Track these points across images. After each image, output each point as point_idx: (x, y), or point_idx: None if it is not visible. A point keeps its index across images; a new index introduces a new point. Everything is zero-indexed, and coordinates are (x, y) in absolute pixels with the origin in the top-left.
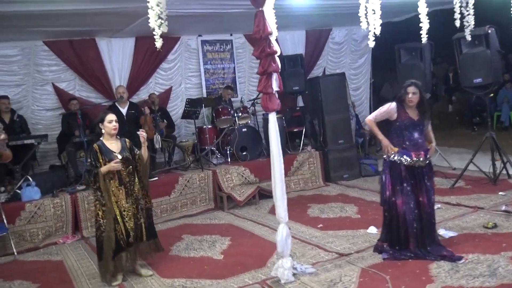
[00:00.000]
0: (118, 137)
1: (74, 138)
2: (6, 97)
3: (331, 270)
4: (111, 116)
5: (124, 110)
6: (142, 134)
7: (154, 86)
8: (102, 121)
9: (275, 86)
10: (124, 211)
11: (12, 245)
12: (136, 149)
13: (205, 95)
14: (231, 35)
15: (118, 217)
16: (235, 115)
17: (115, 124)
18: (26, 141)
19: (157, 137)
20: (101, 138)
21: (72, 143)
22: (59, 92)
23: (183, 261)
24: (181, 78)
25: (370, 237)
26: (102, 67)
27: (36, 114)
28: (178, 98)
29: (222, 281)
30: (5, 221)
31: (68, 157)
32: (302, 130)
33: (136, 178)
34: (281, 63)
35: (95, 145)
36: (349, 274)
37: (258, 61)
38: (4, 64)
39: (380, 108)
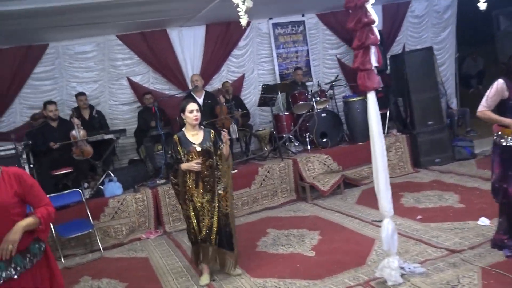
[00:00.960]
0: (202, 127)
1: (151, 132)
2: (83, 94)
3: (445, 270)
4: (192, 106)
5: (200, 100)
6: (225, 136)
7: (226, 74)
8: (183, 111)
9: (373, 61)
10: (200, 206)
11: (98, 241)
12: (220, 143)
13: (278, 81)
14: (303, 15)
15: (191, 214)
16: (313, 99)
17: (196, 114)
18: (105, 137)
19: (233, 127)
20: (183, 129)
21: (149, 137)
22: (134, 86)
23: (272, 258)
24: (253, 65)
25: (482, 230)
26: (174, 58)
27: (114, 109)
28: (251, 85)
29: (319, 282)
30: (90, 218)
31: (146, 151)
32: (386, 113)
33: (216, 174)
34: None
35: (175, 137)
36: (468, 275)
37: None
38: (82, 61)
39: (487, 92)
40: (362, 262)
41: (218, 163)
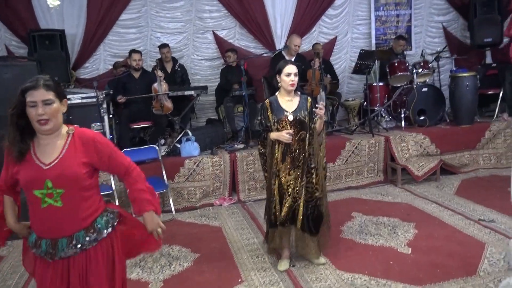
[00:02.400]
0: (299, 93)
1: (233, 92)
2: (166, 45)
3: None
4: (290, 68)
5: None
6: (321, 109)
7: (317, 35)
8: (279, 72)
9: None
10: (286, 183)
11: (171, 202)
12: (316, 114)
13: (373, 47)
14: None
15: (275, 190)
16: (414, 71)
17: (293, 79)
18: (186, 92)
19: (321, 95)
20: (276, 94)
21: (230, 97)
22: (219, 40)
23: (360, 250)
24: (347, 27)
25: None
26: (264, 14)
27: (196, 64)
28: (342, 49)
29: None
30: (165, 177)
31: (226, 111)
32: (499, 93)
33: (308, 149)
34: (469, 9)
35: (266, 101)
36: None
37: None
38: (168, 11)
39: None
40: (472, 271)
41: (310, 137)
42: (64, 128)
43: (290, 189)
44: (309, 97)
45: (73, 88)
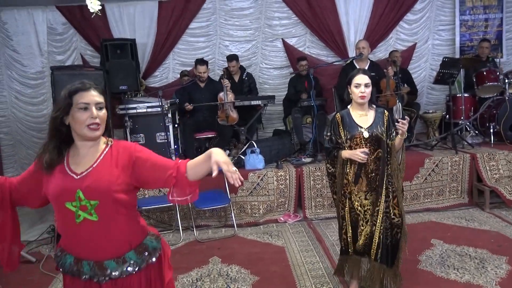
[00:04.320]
0: (374, 106)
1: (302, 102)
2: (234, 59)
3: None
4: (361, 78)
5: None
6: (404, 125)
7: (394, 42)
8: (349, 82)
9: None
10: (360, 207)
11: (233, 217)
12: (394, 130)
13: (457, 54)
14: None
15: (346, 215)
16: (506, 81)
17: (363, 90)
18: (253, 102)
19: (397, 106)
20: (348, 107)
21: (299, 107)
22: (288, 48)
23: (441, 285)
24: (428, 33)
25: None
26: (336, 20)
27: (264, 72)
28: (422, 57)
29: None
30: (228, 190)
31: (294, 122)
32: None
33: (387, 170)
34: None
35: (337, 115)
36: None
37: None
38: (237, 18)
39: None
40: None
41: (388, 156)
42: (102, 139)
43: (367, 215)
44: (386, 111)
45: (141, 97)
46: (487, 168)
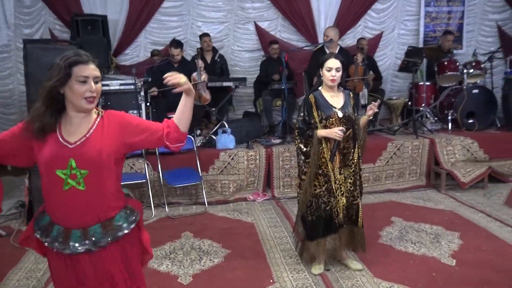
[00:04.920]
0: (341, 88)
1: (273, 85)
2: (207, 35)
3: None
4: (332, 62)
5: None
6: (373, 108)
7: (362, 30)
8: (322, 65)
9: None
10: (335, 182)
11: (204, 194)
12: (356, 110)
13: (421, 44)
14: None
15: (324, 192)
16: (464, 71)
17: (334, 74)
18: (225, 84)
19: (364, 92)
20: (319, 88)
21: (269, 90)
22: (260, 32)
23: (400, 257)
24: (395, 22)
25: None
26: (308, 5)
27: (236, 55)
28: (388, 46)
29: None
30: (199, 168)
31: (264, 105)
32: None
33: (355, 146)
34: None
35: (310, 96)
36: None
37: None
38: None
39: None
40: None
41: (357, 135)
42: (94, 110)
43: (342, 188)
44: (351, 93)
45: (112, 74)
46: (444, 152)
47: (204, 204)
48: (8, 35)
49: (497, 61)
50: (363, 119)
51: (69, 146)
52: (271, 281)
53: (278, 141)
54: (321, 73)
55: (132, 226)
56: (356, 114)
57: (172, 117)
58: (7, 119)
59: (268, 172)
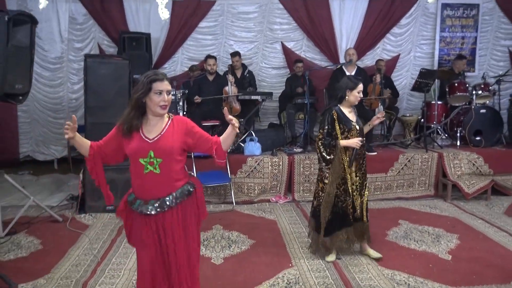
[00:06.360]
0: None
1: (296, 99)
2: (237, 54)
3: None
4: (361, 87)
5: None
6: (380, 117)
7: (381, 52)
8: (352, 89)
9: None
10: (354, 184)
11: (232, 194)
12: (374, 120)
13: (436, 67)
14: None
15: (350, 190)
16: (473, 92)
17: (360, 96)
18: (253, 97)
19: (379, 108)
20: (338, 105)
21: (293, 104)
22: (286, 51)
23: (403, 252)
24: (411, 46)
25: None
26: (331, 28)
27: (263, 71)
28: (404, 67)
29: None
30: (228, 171)
31: (288, 117)
32: None
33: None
34: None
35: (333, 112)
36: None
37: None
38: (242, 21)
39: None
40: (507, 281)
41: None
42: (166, 114)
43: (358, 189)
44: (354, 107)
45: None
46: (451, 165)
47: (232, 203)
48: (61, 48)
49: (507, 84)
50: (366, 127)
51: (149, 141)
52: (290, 265)
53: (299, 150)
54: (348, 93)
55: (190, 194)
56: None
57: (208, 125)
58: (56, 123)
59: (290, 177)
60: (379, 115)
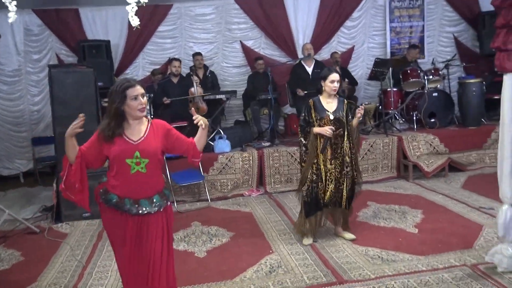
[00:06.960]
0: (337, 96)
1: (260, 95)
2: (199, 54)
3: None
4: (335, 76)
5: (309, 69)
6: (360, 112)
7: (336, 45)
8: (325, 79)
9: None
10: (327, 172)
11: (206, 192)
12: (351, 115)
13: (388, 56)
14: None
15: (323, 176)
16: (425, 77)
17: (336, 85)
18: (218, 96)
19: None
20: (319, 95)
21: (256, 100)
22: (246, 50)
23: (373, 230)
24: (364, 37)
25: None
26: (287, 26)
27: (225, 71)
28: (359, 58)
29: (423, 258)
30: (201, 169)
31: (253, 113)
32: None
33: (345, 143)
34: (478, 20)
35: (310, 101)
36: None
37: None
38: (200, 23)
39: None
40: (469, 246)
41: (350, 133)
42: (144, 118)
43: (332, 177)
44: (345, 100)
45: None
46: (410, 147)
47: (207, 200)
48: (18, 61)
49: (455, 68)
50: (354, 121)
51: (133, 142)
52: (270, 251)
53: (267, 144)
54: (323, 84)
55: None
56: (349, 117)
57: (176, 127)
58: (19, 137)
59: (260, 170)
60: (359, 110)
